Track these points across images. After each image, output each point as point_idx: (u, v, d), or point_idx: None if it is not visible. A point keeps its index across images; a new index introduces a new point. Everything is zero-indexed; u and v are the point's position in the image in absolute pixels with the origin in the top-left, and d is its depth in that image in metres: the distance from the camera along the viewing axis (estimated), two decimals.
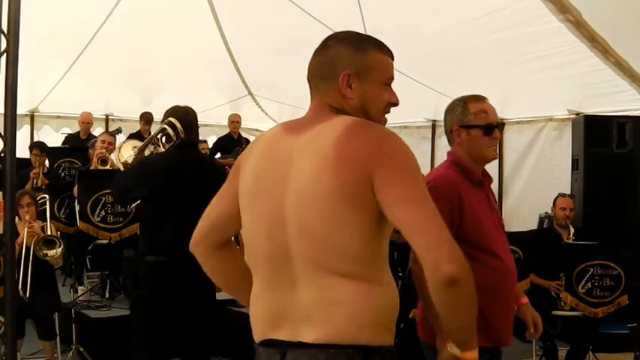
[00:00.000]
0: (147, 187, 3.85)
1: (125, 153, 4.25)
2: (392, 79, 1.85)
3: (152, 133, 4.14)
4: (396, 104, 1.87)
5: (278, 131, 1.85)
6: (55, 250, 4.94)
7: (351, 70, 1.77)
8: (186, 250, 3.80)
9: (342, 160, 1.65)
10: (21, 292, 4.51)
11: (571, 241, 5.54)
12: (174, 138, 3.89)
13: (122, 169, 4.29)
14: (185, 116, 3.99)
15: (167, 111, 4.05)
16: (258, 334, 1.78)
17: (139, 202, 4.13)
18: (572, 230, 5.63)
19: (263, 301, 1.77)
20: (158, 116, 9.59)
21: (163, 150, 4.01)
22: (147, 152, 4.24)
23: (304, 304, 1.69)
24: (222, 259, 2.00)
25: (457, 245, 1.55)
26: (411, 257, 2.54)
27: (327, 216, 1.66)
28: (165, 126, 3.93)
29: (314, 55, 1.86)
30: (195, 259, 3.90)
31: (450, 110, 2.96)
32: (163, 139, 3.99)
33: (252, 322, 1.80)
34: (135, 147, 4.24)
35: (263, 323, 1.76)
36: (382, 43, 1.85)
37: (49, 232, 5.06)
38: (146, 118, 9.05)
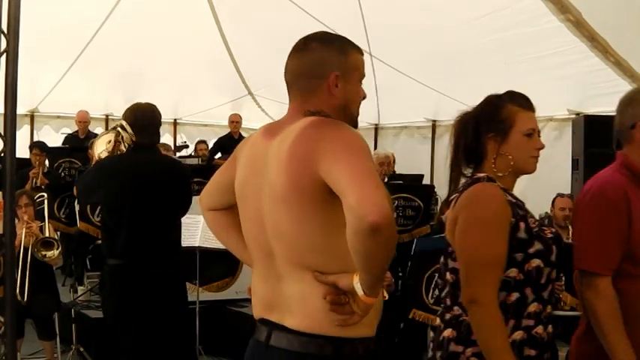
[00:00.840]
0: (103, 191, 3.81)
1: (99, 147, 4.14)
2: (364, 75, 1.95)
3: (111, 131, 4.09)
4: (365, 97, 1.95)
5: (259, 135, 1.94)
6: (52, 252, 4.94)
7: (339, 71, 1.85)
8: (143, 253, 3.76)
9: (294, 160, 1.74)
10: (19, 296, 4.50)
11: (570, 241, 5.54)
12: (128, 141, 3.85)
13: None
14: (141, 119, 3.85)
15: (126, 110, 3.94)
16: (257, 313, 1.95)
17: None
18: (571, 230, 5.62)
19: (259, 289, 1.94)
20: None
21: (124, 150, 3.95)
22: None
23: (287, 295, 1.84)
24: (216, 220, 2.18)
25: (384, 194, 1.60)
26: (579, 283, 2.40)
27: (289, 217, 1.76)
28: (118, 128, 3.89)
29: (294, 56, 1.96)
30: (152, 262, 3.77)
31: (632, 102, 2.37)
32: (118, 148, 3.95)
33: (252, 303, 1.98)
34: (109, 142, 4.10)
35: (260, 305, 1.94)
36: (353, 42, 1.94)
37: (47, 233, 5.06)
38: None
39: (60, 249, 5.01)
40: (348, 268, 1.74)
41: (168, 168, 4.13)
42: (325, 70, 1.87)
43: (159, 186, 3.85)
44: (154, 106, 3.96)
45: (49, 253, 4.92)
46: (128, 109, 3.92)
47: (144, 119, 3.86)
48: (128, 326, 3.83)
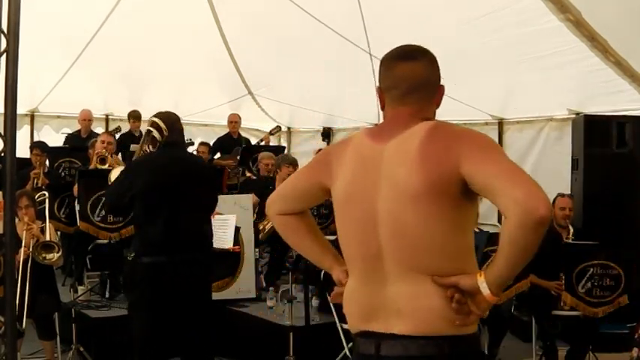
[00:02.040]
0: (136, 187, 3.87)
1: (115, 175, 4.38)
2: None
3: (140, 142, 4.20)
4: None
5: (364, 139, 2.00)
6: (53, 254, 4.94)
7: (440, 82, 2.07)
8: (181, 249, 3.89)
9: (428, 160, 1.82)
10: (18, 300, 4.44)
11: (570, 241, 5.54)
12: (160, 139, 3.95)
13: None
14: (167, 118, 4.04)
15: (152, 116, 4.12)
16: (354, 326, 1.97)
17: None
18: (571, 230, 5.62)
19: (358, 295, 1.95)
20: None
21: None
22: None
23: (393, 298, 1.87)
24: (287, 224, 2.16)
25: (543, 190, 1.69)
26: None
27: (416, 216, 1.82)
28: (150, 127, 4.00)
29: (412, 64, 2.06)
30: (190, 258, 3.99)
31: None
32: (150, 147, 4.05)
33: (347, 315, 2.00)
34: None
35: (358, 316, 1.95)
36: None
37: (48, 234, 5.06)
38: (134, 116, 9.06)
39: (60, 252, 5.02)
40: (462, 269, 1.82)
41: (197, 166, 4.33)
42: (434, 81, 2.10)
43: (191, 183, 3.99)
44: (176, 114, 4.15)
45: (49, 256, 4.93)
46: (155, 114, 4.10)
47: (171, 120, 4.05)
48: (156, 325, 3.85)
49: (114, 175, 4.46)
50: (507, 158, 1.77)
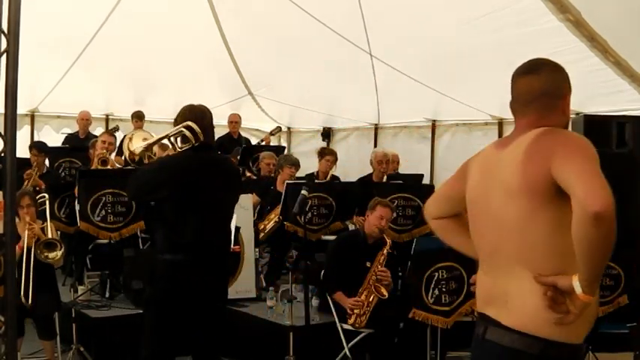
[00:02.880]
0: (168, 189, 3.82)
1: (135, 143, 4.09)
2: None
3: (168, 133, 3.99)
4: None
5: (491, 148, 2.28)
6: (55, 253, 4.95)
7: (569, 93, 2.19)
8: (207, 249, 3.89)
9: (529, 161, 2.01)
10: (23, 299, 4.52)
11: None
12: (193, 141, 3.83)
13: (128, 157, 4.24)
14: (202, 119, 3.90)
15: (182, 110, 3.95)
16: (478, 306, 2.23)
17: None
18: None
19: (481, 282, 2.23)
20: (155, 116, 9.64)
21: (175, 151, 3.98)
22: (156, 150, 4.21)
23: (505, 290, 2.08)
24: (443, 227, 2.47)
25: (609, 191, 1.83)
26: None
27: (518, 213, 2.01)
28: (183, 129, 3.84)
29: (530, 77, 2.21)
30: (213, 258, 4.01)
31: None
32: (179, 140, 3.91)
33: (476, 295, 2.26)
34: (145, 139, 4.09)
35: (480, 300, 2.21)
36: None
37: (49, 234, 5.06)
38: (138, 115, 9.08)
39: (63, 250, 5.02)
40: (564, 268, 1.94)
41: (228, 167, 4.26)
42: (563, 91, 2.18)
43: (223, 184, 3.96)
44: (207, 108, 4.02)
45: (51, 255, 4.93)
46: (188, 108, 3.94)
47: (206, 120, 3.92)
48: (171, 322, 3.84)
49: (135, 140, 4.10)
50: (589, 160, 1.91)
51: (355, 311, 4.98)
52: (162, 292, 3.88)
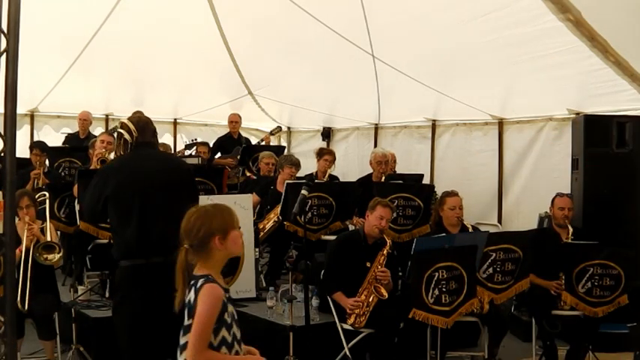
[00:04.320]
0: (107, 190, 3.84)
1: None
2: None
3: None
4: None
5: None
6: (54, 255, 4.94)
7: None
8: (157, 251, 3.78)
9: None
10: (19, 305, 4.50)
11: (570, 241, 5.54)
12: (130, 140, 3.98)
13: None
14: (138, 120, 4.08)
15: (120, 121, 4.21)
16: None
17: None
18: (570, 230, 5.62)
19: None
20: (155, 116, 9.62)
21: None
22: None
23: None
24: None
25: None
26: None
27: None
28: (120, 130, 4.03)
29: None
30: (167, 261, 3.97)
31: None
32: (121, 150, 4.08)
33: None
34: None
35: None
36: None
37: (48, 234, 5.05)
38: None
39: (61, 253, 5.02)
40: None
41: (173, 164, 4.25)
42: None
43: (165, 181, 3.92)
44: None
45: (50, 257, 4.93)
46: (127, 118, 4.14)
47: (141, 121, 4.06)
48: (138, 327, 3.82)
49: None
50: None
51: (355, 311, 4.97)
52: (122, 300, 3.90)
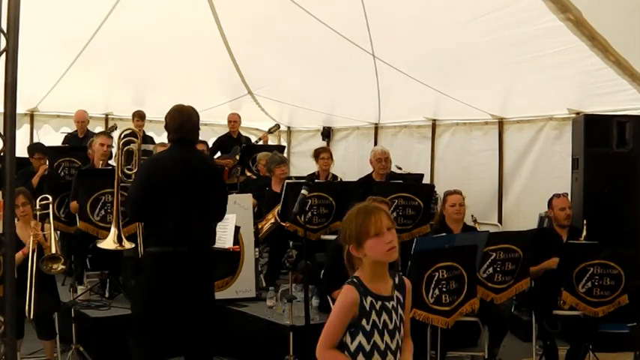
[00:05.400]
0: (153, 187, 4.10)
1: None
2: None
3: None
4: None
5: None
6: (58, 265, 5.01)
7: None
8: (188, 243, 4.02)
9: None
10: (27, 314, 4.71)
11: (583, 241, 5.54)
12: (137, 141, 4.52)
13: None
14: (180, 113, 4.41)
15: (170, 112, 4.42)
16: None
17: None
18: (583, 233, 5.59)
19: None
20: (155, 115, 9.63)
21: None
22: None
23: None
24: None
25: None
26: None
27: None
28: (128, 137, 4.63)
29: None
30: (196, 251, 4.28)
31: None
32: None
33: None
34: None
35: None
36: None
37: (53, 246, 5.06)
38: (139, 115, 9.07)
39: (65, 265, 5.11)
40: None
41: (207, 164, 4.57)
42: None
43: (201, 180, 4.23)
44: (193, 108, 4.49)
45: (55, 266, 5.00)
46: (171, 110, 4.44)
47: (182, 117, 4.37)
48: (156, 310, 4.07)
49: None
50: None
51: None
52: (146, 281, 4.14)
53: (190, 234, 4.08)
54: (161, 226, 4.06)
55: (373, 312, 2.46)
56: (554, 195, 5.78)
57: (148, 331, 4.07)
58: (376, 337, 2.46)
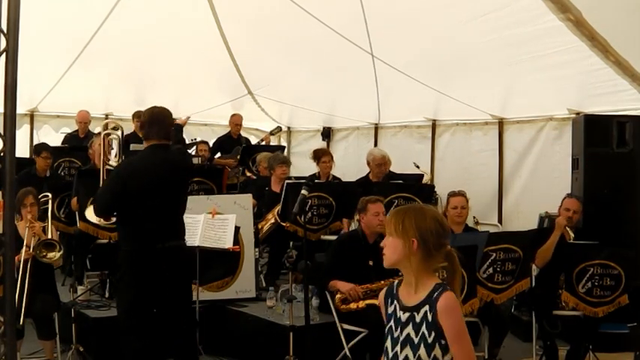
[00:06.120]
0: (128, 188, 4.21)
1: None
2: None
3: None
4: None
5: None
6: (54, 253, 4.96)
7: None
8: (162, 238, 4.18)
9: None
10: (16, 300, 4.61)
11: (572, 241, 5.53)
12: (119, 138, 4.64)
13: None
14: (150, 114, 4.48)
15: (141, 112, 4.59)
16: None
17: None
18: (571, 235, 5.56)
19: None
20: None
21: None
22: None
23: None
24: None
25: None
26: None
27: None
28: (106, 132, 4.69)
29: None
30: (172, 247, 4.34)
31: None
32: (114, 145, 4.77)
33: None
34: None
35: None
36: None
37: (49, 234, 5.06)
38: (139, 115, 9.05)
39: (62, 251, 5.03)
40: None
41: (181, 160, 4.69)
42: None
43: (176, 178, 4.40)
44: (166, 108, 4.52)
45: (50, 254, 4.94)
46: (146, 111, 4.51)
47: (159, 118, 4.43)
48: (141, 311, 4.22)
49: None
50: None
51: (351, 294, 5.02)
52: (126, 279, 4.27)
53: (162, 229, 4.25)
54: (137, 226, 4.22)
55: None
56: (567, 194, 5.77)
57: (134, 330, 4.17)
58: (388, 342, 2.43)
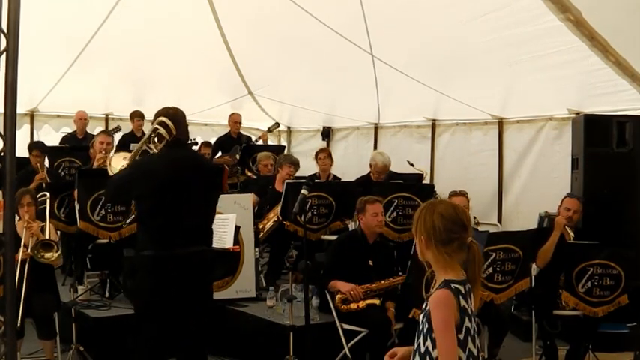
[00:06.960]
0: (147, 188, 3.97)
1: (117, 165, 4.36)
2: None
3: (144, 137, 4.29)
4: None
5: None
6: (52, 253, 4.94)
7: None
8: (183, 244, 3.95)
9: None
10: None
11: (572, 241, 5.53)
12: (167, 136, 4.02)
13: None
14: (174, 115, 4.13)
15: (157, 112, 4.18)
16: None
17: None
18: (571, 234, 5.57)
19: None
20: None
21: (156, 151, 4.14)
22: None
23: None
24: None
25: None
26: None
27: None
28: (157, 126, 4.05)
29: None
30: (191, 252, 4.06)
31: None
32: (156, 140, 4.12)
33: None
34: (125, 157, 4.36)
35: None
36: None
37: (47, 234, 5.06)
38: (139, 114, 9.07)
39: (59, 251, 5.02)
40: None
41: (204, 164, 4.50)
42: None
43: (198, 181, 4.11)
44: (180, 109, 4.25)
45: (47, 255, 4.93)
46: (162, 109, 4.19)
47: (178, 116, 4.15)
48: (154, 315, 4.00)
49: (115, 162, 4.42)
50: None
51: (352, 293, 5.03)
52: (140, 284, 4.07)
53: (184, 235, 4.02)
54: (155, 228, 4.00)
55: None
56: (567, 194, 5.77)
57: (148, 332, 4.05)
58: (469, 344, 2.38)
